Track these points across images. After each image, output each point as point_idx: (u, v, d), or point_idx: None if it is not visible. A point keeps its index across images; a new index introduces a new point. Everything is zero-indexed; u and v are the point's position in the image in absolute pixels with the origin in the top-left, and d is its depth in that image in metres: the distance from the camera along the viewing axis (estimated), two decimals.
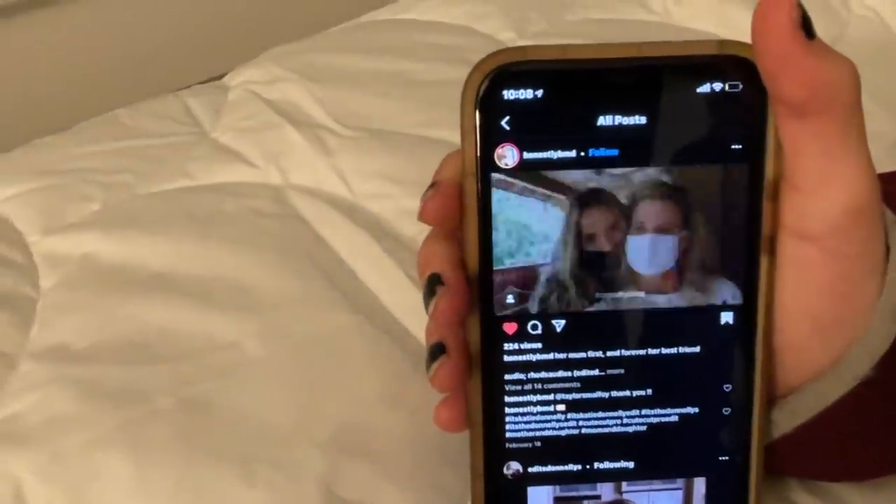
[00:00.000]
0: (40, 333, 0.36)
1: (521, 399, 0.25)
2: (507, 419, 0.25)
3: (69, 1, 0.87)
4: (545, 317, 0.24)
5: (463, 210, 0.24)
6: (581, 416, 0.25)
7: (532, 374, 0.25)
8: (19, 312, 0.37)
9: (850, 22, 0.59)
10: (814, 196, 0.23)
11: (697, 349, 0.25)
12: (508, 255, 0.24)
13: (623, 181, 0.23)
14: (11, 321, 0.36)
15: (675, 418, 0.25)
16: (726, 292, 0.24)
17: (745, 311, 0.24)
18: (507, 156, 0.23)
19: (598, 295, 0.24)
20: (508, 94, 0.23)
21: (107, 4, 0.89)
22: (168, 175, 0.46)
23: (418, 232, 0.41)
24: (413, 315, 0.36)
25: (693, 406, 0.25)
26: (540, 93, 0.23)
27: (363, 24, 0.64)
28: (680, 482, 0.26)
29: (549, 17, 0.61)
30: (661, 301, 0.24)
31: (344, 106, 0.50)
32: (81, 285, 0.38)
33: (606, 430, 0.25)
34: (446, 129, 0.46)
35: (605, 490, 0.26)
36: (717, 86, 0.23)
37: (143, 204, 0.44)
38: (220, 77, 0.59)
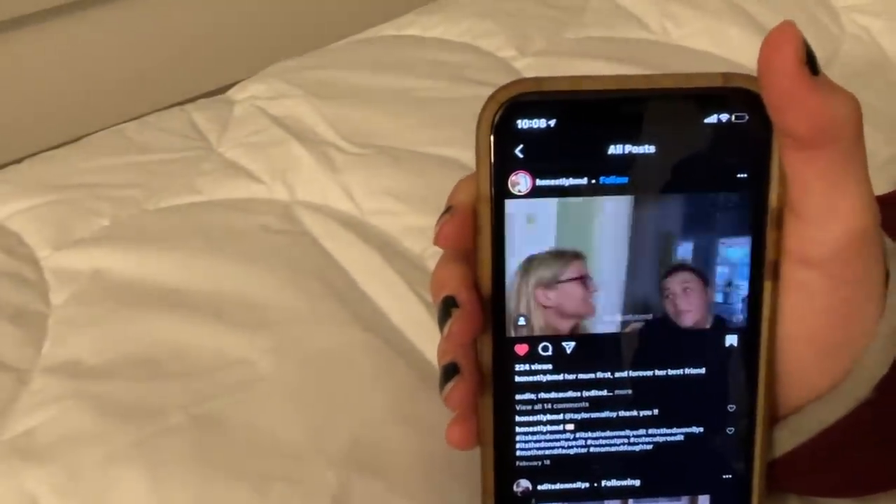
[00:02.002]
0: (52, 349, 0.36)
1: (531, 418, 0.26)
2: (518, 438, 0.26)
3: (72, 14, 0.87)
4: (555, 338, 0.25)
5: (477, 234, 0.25)
6: (589, 435, 0.26)
7: (542, 394, 0.25)
8: (31, 328, 0.37)
9: (843, 41, 0.60)
10: (816, 224, 0.23)
11: (703, 371, 0.25)
12: (520, 279, 0.25)
13: (631, 210, 0.24)
14: (23, 337, 0.37)
15: (680, 437, 0.26)
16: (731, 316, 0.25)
17: (749, 335, 0.25)
18: (521, 182, 0.24)
19: (606, 318, 0.25)
20: (522, 124, 0.24)
21: (109, 18, 0.90)
22: (176, 190, 0.46)
23: (424, 249, 0.41)
24: (420, 331, 0.37)
25: (698, 426, 0.26)
26: (553, 122, 0.24)
27: (365, 39, 0.65)
28: (685, 500, 0.26)
29: (549, 36, 0.62)
30: (668, 324, 0.25)
31: (349, 122, 0.51)
32: (93, 301, 0.39)
33: (614, 448, 0.26)
34: (452, 146, 0.47)
35: None
36: (724, 117, 0.24)
37: (152, 219, 0.44)
38: (223, 90, 0.59)
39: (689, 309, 0.25)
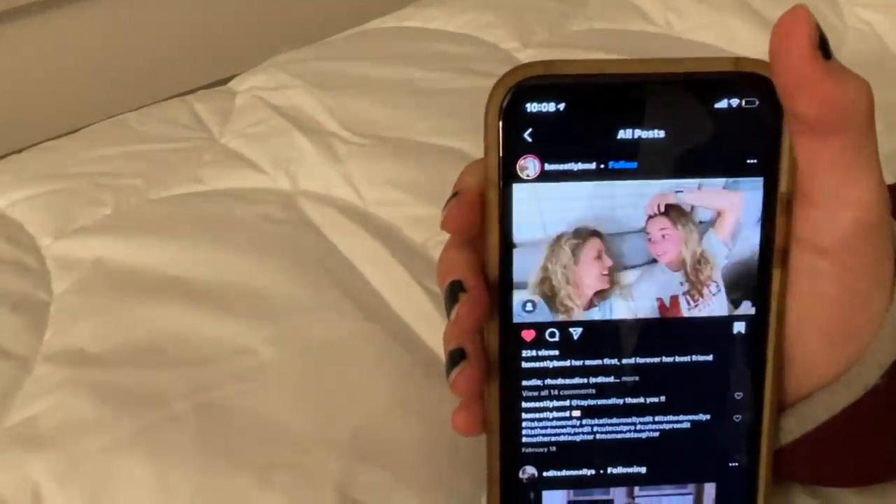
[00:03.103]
0: (54, 337, 0.36)
1: (537, 405, 0.25)
2: (524, 424, 0.25)
3: (73, 5, 0.87)
4: (562, 324, 0.25)
5: (484, 219, 0.24)
6: (596, 421, 0.26)
7: (549, 381, 0.25)
8: (33, 316, 0.37)
9: (846, 34, 0.60)
10: (827, 211, 0.23)
11: (710, 358, 0.25)
12: (528, 263, 0.24)
13: (639, 193, 0.24)
14: (25, 325, 0.37)
15: (687, 425, 0.26)
16: (740, 302, 0.25)
17: (758, 322, 0.25)
18: (529, 167, 0.24)
19: (613, 303, 0.25)
20: (531, 108, 0.23)
21: (111, 9, 0.90)
22: (178, 180, 0.46)
23: (428, 238, 0.41)
24: (423, 320, 0.37)
25: (705, 413, 0.26)
26: (562, 106, 0.23)
27: (368, 31, 0.64)
28: (690, 487, 0.26)
29: (552, 28, 0.61)
30: (677, 310, 0.25)
31: (352, 113, 0.51)
32: (94, 289, 0.38)
33: (620, 435, 0.26)
34: (454, 137, 0.47)
35: (618, 494, 0.26)
36: (734, 102, 0.23)
37: (154, 208, 0.44)
38: (224, 82, 0.59)
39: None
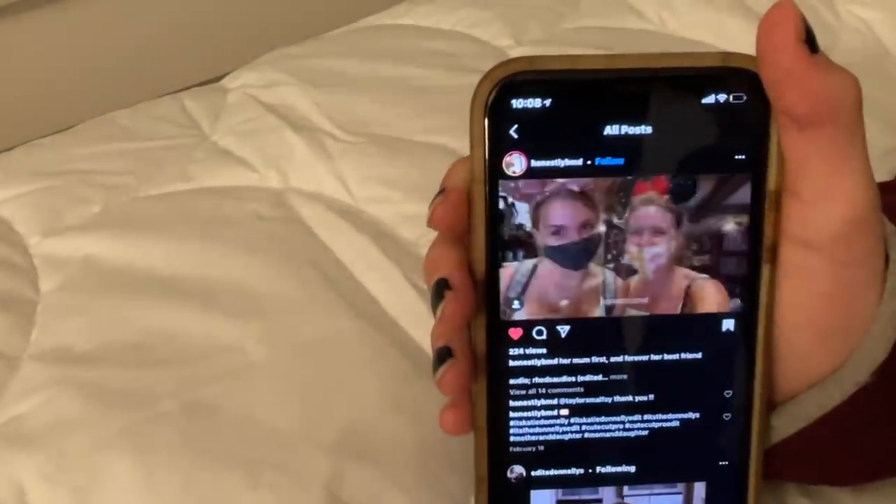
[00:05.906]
0: (41, 336, 0.36)
1: (525, 403, 0.25)
2: (512, 423, 0.25)
3: (64, 2, 0.86)
4: (550, 322, 0.25)
5: (471, 216, 0.24)
6: (584, 420, 0.25)
7: (536, 379, 0.25)
8: (20, 315, 0.37)
9: (841, 32, 0.60)
10: (816, 206, 0.23)
11: (699, 356, 0.25)
12: (515, 260, 0.24)
13: (626, 190, 0.24)
14: (12, 323, 0.36)
15: (676, 423, 0.26)
16: (728, 299, 0.25)
17: (747, 319, 0.25)
18: (515, 163, 0.24)
19: (602, 301, 0.25)
20: (517, 104, 0.23)
21: (101, 5, 0.89)
22: (168, 177, 0.46)
23: (418, 236, 0.41)
24: (413, 318, 0.37)
25: (694, 412, 0.25)
26: (548, 102, 0.23)
27: (361, 28, 0.64)
28: (680, 486, 0.26)
29: (545, 25, 0.61)
30: (664, 307, 0.25)
31: (343, 110, 0.50)
32: (82, 288, 0.38)
33: (609, 434, 0.26)
34: (446, 135, 0.47)
35: (607, 494, 0.26)
36: (722, 97, 0.23)
37: (143, 206, 0.44)
38: (216, 80, 0.59)
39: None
